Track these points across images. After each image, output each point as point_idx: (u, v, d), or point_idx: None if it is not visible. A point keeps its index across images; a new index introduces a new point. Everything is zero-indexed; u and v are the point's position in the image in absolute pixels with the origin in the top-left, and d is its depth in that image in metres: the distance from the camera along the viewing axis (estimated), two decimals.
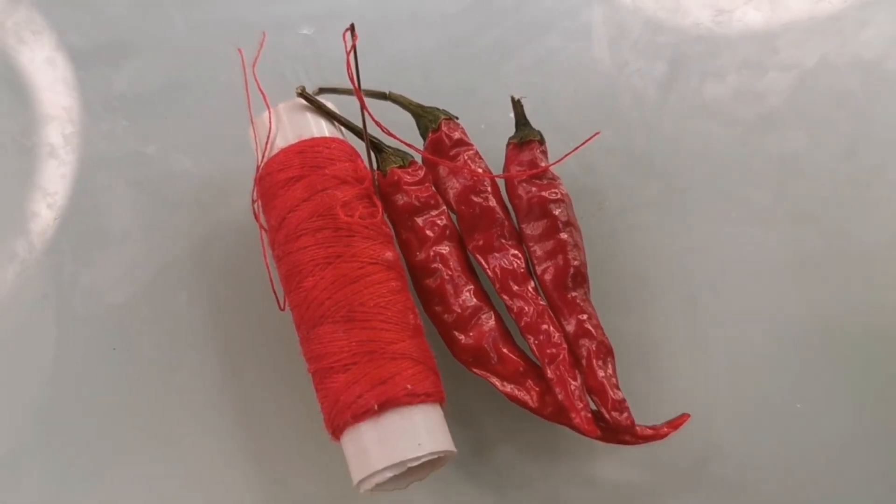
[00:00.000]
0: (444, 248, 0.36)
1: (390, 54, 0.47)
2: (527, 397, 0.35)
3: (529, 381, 0.35)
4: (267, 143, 0.36)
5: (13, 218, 0.43)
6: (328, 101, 0.38)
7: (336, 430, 0.32)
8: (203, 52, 0.47)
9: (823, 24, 0.47)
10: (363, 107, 0.37)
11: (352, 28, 0.35)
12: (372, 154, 0.37)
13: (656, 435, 0.34)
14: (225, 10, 0.49)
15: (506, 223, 0.37)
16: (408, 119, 0.39)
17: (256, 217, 0.37)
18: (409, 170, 0.37)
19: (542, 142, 0.39)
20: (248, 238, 0.40)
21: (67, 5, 0.49)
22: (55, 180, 0.44)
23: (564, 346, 0.35)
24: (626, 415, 0.34)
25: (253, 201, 0.37)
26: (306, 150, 0.36)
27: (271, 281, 0.37)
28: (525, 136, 0.39)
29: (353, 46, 0.36)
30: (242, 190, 0.39)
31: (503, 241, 0.37)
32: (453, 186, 0.37)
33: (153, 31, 0.48)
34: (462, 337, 0.35)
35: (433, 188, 0.37)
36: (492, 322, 0.36)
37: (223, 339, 0.40)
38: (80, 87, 0.46)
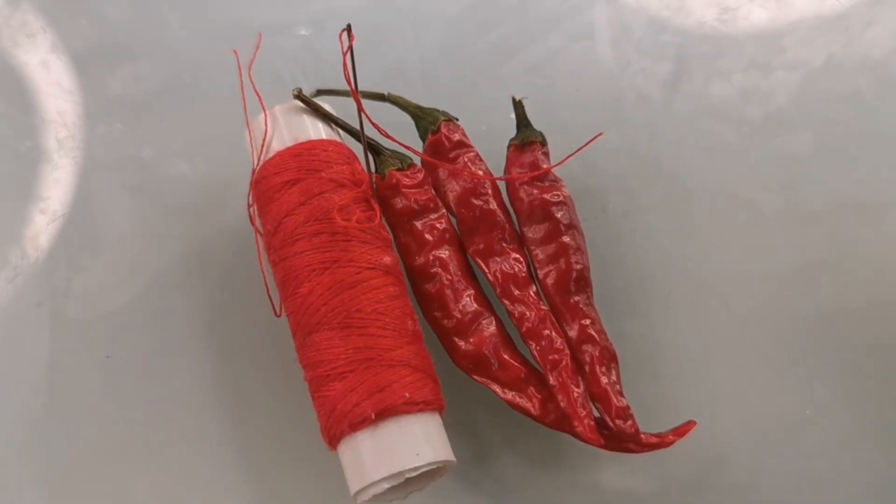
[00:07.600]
0: (444, 252, 0.36)
1: (390, 55, 0.47)
2: (528, 405, 0.34)
3: (531, 388, 0.35)
4: (263, 146, 0.36)
5: (5, 224, 0.42)
6: (326, 103, 0.38)
7: (333, 440, 0.32)
8: (200, 55, 0.47)
9: (830, 23, 0.47)
10: (360, 109, 0.36)
11: (348, 28, 0.35)
12: (370, 157, 0.37)
13: (661, 443, 0.34)
14: (222, 12, 0.49)
15: (507, 226, 0.37)
16: (407, 121, 0.39)
17: (252, 221, 0.37)
18: (408, 172, 0.37)
19: (543, 143, 0.39)
20: (245, 243, 0.40)
21: (63, 8, 0.49)
22: (49, 185, 0.43)
23: (567, 351, 0.34)
24: (630, 422, 0.34)
25: (249, 205, 0.37)
26: (303, 153, 0.35)
27: (266, 287, 0.37)
28: (526, 138, 0.38)
29: (350, 47, 0.35)
30: (240, 194, 0.39)
31: (504, 244, 0.36)
32: (453, 189, 0.37)
33: (149, 34, 0.48)
34: (462, 343, 0.35)
35: (432, 191, 0.37)
36: (492, 328, 0.35)
37: (219, 346, 0.39)
38: (75, 91, 0.46)
